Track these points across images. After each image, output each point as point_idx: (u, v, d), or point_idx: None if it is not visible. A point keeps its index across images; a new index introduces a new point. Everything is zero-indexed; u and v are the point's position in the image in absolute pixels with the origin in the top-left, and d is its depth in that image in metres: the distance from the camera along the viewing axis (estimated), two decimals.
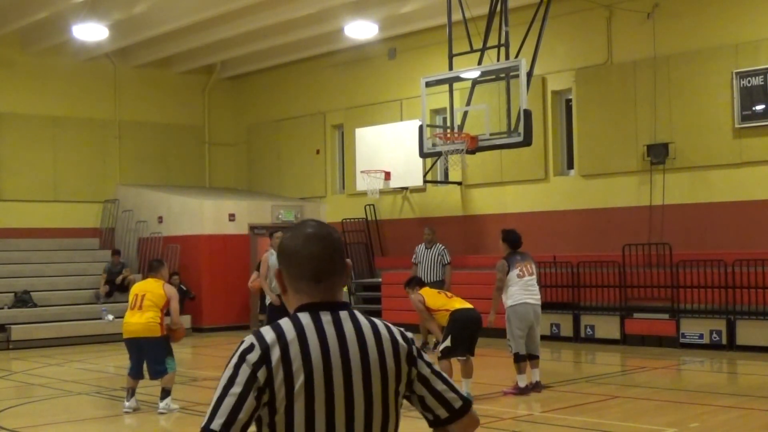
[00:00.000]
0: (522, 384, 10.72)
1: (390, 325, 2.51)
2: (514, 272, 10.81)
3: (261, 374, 2.28)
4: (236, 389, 2.26)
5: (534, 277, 10.99)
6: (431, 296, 10.58)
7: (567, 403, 10.26)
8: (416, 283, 10.85)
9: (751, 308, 14.42)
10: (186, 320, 19.28)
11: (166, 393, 10.10)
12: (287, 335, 2.32)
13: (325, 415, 2.30)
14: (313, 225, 2.48)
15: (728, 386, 12.18)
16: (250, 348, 2.31)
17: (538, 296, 11.01)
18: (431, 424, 2.54)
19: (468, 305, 10.47)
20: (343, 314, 2.41)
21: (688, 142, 15.72)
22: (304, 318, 2.37)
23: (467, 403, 2.53)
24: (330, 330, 2.36)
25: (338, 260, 2.45)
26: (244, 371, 2.28)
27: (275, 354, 2.29)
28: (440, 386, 2.49)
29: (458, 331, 10.10)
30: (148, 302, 9.95)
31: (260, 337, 2.33)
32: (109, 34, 18.82)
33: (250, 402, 2.26)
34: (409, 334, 2.53)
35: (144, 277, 10.72)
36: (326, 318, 2.38)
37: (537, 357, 10.96)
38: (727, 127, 15.29)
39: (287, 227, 13.58)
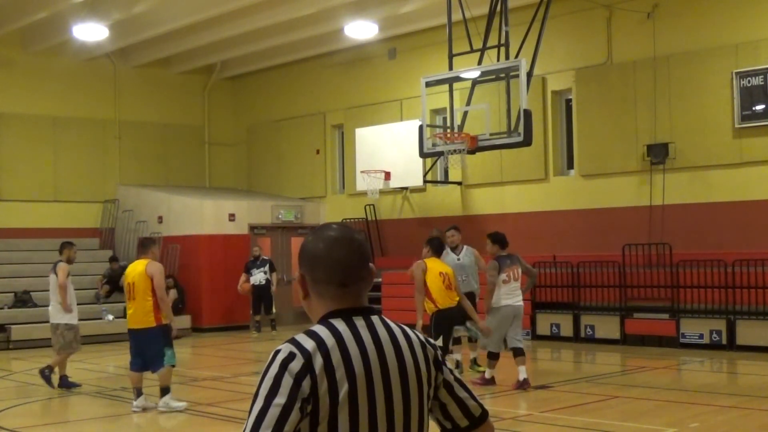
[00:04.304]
0: (488, 376, 11.19)
1: (415, 330, 2.44)
2: (502, 276, 11.09)
3: (306, 384, 2.14)
4: (280, 400, 2.12)
5: (519, 281, 11.27)
6: (433, 273, 10.59)
7: (567, 403, 10.25)
8: (434, 245, 10.85)
9: (751, 308, 14.43)
10: (186, 320, 19.31)
11: (163, 391, 9.98)
12: (327, 342, 2.20)
13: (368, 424, 2.21)
14: (335, 228, 2.38)
15: (728, 386, 12.18)
16: (291, 357, 2.17)
17: (521, 298, 11.33)
18: None
19: (452, 303, 10.56)
20: (375, 319, 2.32)
21: (688, 142, 15.71)
22: (339, 324, 2.26)
23: (485, 411, 2.46)
24: (366, 336, 2.26)
25: (365, 264, 2.35)
26: (287, 381, 2.14)
27: (318, 362, 2.17)
28: (462, 393, 2.42)
29: (447, 330, 10.52)
30: (137, 291, 9.79)
31: (299, 345, 2.20)
32: (109, 34, 18.83)
33: (295, 414, 2.13)
34: (431, 340, 2.47)
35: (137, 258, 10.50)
36: (360, 323, 2.28)
37: (521, 350, 11.09)
38: (727, 127, 15.29)
39: (454, 225, 12.98)
